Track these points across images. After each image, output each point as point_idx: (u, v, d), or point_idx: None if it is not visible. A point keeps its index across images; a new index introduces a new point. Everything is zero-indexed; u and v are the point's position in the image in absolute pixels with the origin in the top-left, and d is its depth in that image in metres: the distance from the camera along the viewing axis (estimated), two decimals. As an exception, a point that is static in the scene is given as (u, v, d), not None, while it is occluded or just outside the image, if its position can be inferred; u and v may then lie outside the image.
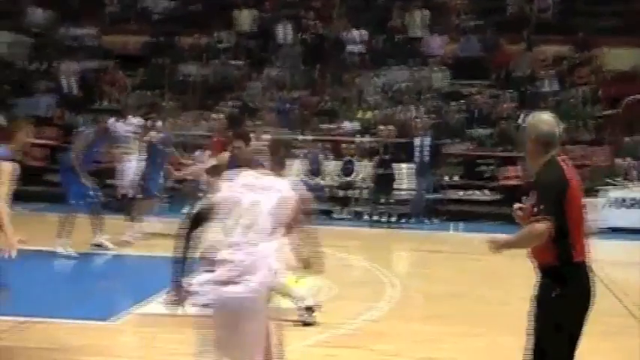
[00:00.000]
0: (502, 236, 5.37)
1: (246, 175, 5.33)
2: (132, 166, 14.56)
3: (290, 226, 5.38)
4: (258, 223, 5.08)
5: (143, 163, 14.12)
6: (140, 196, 13.89)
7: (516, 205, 5.42)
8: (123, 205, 14.25)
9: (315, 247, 5.76)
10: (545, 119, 5.35)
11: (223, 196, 5.20)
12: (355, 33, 22.18)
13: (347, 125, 19.88)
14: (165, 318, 8.70)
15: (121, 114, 17.91)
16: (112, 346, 7.97)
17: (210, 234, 5.18)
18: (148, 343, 8.00)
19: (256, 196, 5.16)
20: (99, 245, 12.72)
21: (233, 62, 22.47)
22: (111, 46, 23.57)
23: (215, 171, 9.08)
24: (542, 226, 4.96)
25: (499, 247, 5.27)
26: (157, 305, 9.15)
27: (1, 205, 6.86)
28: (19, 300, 7.29)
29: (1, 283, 6.82)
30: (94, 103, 21.60)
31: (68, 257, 11.97)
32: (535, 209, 5.02)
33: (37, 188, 17.83)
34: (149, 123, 14.91)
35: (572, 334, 5.15)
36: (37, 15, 24.07)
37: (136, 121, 16.18)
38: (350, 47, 22.11)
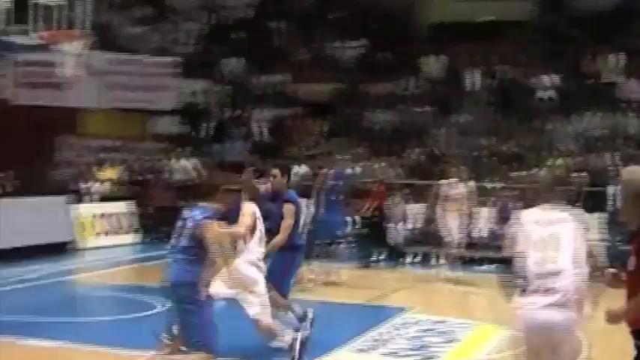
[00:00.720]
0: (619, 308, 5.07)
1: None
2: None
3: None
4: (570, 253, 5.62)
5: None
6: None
7: (612, 270, 5.32)
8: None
9: None
10: None
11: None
12: (545, 78, 21.70)
13: (541, 174, 19.28)
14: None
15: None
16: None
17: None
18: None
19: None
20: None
21: (421, 109, 22.46)
22: (301, 94, 24.17)
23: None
24: None
25: (618, 319, 5.01)
26: (349, 353, 9.20)
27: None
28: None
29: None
30: (284, 150, 22.11)
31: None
32: None
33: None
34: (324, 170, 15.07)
35: None
36: (232, 64, 25.05)
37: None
38: (540, 93, 21.64)
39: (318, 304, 12.51)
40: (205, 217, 7.02)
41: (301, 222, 10.06)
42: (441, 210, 15.34)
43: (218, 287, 7.91)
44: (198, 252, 6.96)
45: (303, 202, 12.97)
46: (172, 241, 7.14)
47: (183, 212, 7.32)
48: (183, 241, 7.01)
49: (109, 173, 21.90)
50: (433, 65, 23.30)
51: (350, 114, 22.91)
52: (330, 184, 14.26)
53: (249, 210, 8.41)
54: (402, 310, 11.92)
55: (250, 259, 8.39)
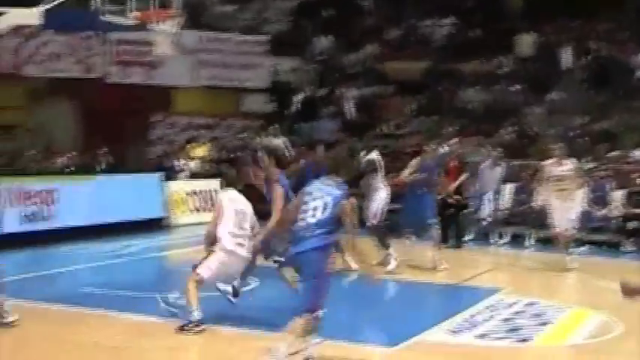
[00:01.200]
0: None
1: None
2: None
3: None
4: None
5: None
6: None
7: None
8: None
9: None
10: None
11: None
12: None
13: (636, 154, 18.86)
14: (448, 347, 8.76)
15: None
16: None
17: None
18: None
19: None
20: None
21: (513, 88, 22.07)
22: (391, 72, 24.02)
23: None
24: None
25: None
26: (441, 334, 9.15)
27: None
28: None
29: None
30: (374, 129, 22.04)
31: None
32: None
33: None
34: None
35: None
36: (321, 43, 25.04)
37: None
38: (638, 72, 21.00)
39: (410, 285, 12.55)
40: (343, 195, 7.26)
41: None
42: (545, 191, 14.77)
43: None
44: (334, 227, 7.18)
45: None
46: (308, 216, 7.22)
47: (310, 188, 7.41)
48: (326, 215, 7.14)
49: (200, 151, 22.20)
50: (526, 43, 22.83)
51: (441, 92, 22.67)
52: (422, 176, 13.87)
53: None
54: (494, 291, 11.77)
55: None
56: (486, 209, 17.75)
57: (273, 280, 9.83)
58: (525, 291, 12.23)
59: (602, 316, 10.33)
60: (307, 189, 7.43)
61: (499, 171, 17.91)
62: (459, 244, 16.82)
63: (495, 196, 17.84)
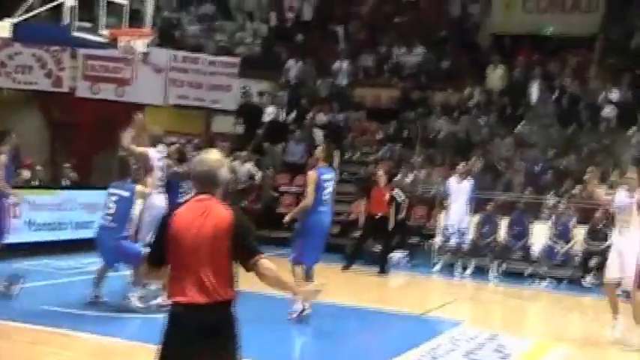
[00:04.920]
0: None
1: None
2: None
3: None
4: None
5: None
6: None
7: None
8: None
9: None
10: None
11: None
12: (614, 94, 21.19)
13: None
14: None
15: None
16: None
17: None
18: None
19: None
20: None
21: (482, 120, 22.14)
22: (362, 99, 24.12)
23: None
24: None
25: None
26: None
27: None
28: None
29: None
30: (343, 155, 21.99)
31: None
32: None
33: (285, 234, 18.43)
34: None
35: None
36: (293, 68, 24.99)
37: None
38: (607, 109, 21.08)
39: (373, 313, 12.51)
40: None
41: None
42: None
43: None
44: None
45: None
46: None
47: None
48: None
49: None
50: (497, 76, 22.95)
51: (412, 120, 22.68)
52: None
53: None
54: (457, 323, 11.80)
55: None
56: (452, 240, 17.83)
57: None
58: (487, 323, 12.29)
59: (564, 349, 10.42)
60: None
61: (465, 202, 18.03)
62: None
63: (461, 228, 17.91)
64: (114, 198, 11.12)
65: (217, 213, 4.81)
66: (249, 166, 21.38)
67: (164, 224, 4.90)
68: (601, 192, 11.90)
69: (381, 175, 17.60)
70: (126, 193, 11.12)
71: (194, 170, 5.01)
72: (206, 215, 4.80)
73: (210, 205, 4.85)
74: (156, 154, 12.21)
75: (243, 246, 4.79)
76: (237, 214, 4.85)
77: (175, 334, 4.72)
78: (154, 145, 12.42)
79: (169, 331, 4.74)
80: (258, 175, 21.28)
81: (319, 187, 11.13)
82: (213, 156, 5.03)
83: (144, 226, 11.63)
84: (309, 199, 11.08)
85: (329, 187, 11.32)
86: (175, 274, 4.80)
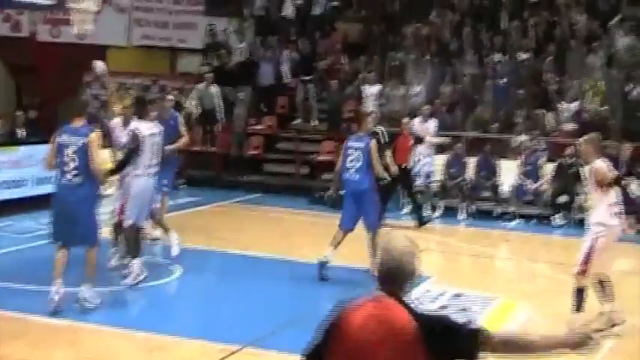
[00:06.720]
0: None
1: None
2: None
3: None
4: None
5: None
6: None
7: None
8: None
9: None
10: None
11: None
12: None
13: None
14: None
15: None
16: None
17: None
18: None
19: None
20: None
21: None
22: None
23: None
24: None
25: None
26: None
27: None
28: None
29: None
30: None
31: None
32: None
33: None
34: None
35: None
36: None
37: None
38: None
39: (338, 269, 12.25)
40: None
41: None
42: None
43: None
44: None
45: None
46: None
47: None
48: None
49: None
50: None
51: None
52: None
53: None
54: (423, 279, 11.60)
55: None
56: (418, 181, 17.58)
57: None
58: (454, 279, 12.14)
59: (530, 309, 10.40)
60: None
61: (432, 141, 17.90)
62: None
63: (427, 170, 17.77)
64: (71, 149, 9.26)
65: (396, 320, 3.74)
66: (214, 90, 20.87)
67: (330, 331, 3.90)
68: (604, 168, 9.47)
69: (406, 122, 16.94)
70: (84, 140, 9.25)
71: (378, 265, 3.93)
72: (383, 323, 3.75)
73: (389, 307, 3.79)
74: (146, 131, 10.56)
75: (453, 347, 3.73)
76: (421, 315, 3.78)
77: None
78: (140, 115, 10.77)
79: None
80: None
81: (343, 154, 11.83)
82: (400, 243, 3.92)
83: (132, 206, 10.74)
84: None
85: (352, 155, 11.70)
86: None
